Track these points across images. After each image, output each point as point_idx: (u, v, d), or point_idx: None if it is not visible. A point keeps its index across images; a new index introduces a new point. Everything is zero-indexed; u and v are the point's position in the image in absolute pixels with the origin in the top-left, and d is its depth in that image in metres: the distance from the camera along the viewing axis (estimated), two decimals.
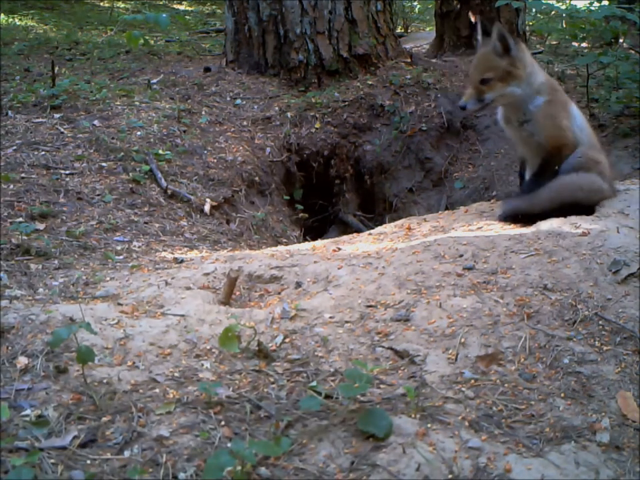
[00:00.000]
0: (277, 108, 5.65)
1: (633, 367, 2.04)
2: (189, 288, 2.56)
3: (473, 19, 7.02)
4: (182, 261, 2.99)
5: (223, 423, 1.75)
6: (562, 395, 1.93)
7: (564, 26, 7.63)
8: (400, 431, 1.71)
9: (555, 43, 8.98)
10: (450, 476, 1.60)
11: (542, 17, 8.83)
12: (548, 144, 3.13)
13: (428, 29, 10.39)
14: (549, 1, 7.40)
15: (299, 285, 2.60)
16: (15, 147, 4.17)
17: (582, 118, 3.28)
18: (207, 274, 2.69)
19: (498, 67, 3.02)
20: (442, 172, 5.43)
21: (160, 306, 2.39)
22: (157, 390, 1.88)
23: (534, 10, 8.54)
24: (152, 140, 4.58)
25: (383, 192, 5.56)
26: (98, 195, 3.79)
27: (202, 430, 1.71)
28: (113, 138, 4.47)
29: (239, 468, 1.56)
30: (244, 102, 5.69)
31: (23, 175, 3.83)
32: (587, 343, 2.12)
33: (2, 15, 10.11)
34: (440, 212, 3.63)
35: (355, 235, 3.36)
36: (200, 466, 1.59)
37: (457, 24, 7.15)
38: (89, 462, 1.60)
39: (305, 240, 4.42)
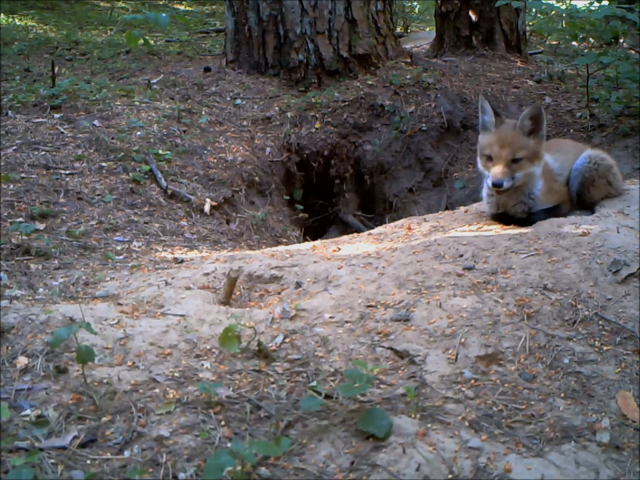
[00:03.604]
0: (277, 108, 5.65)
1: (633, 367, 2.04)
2: (189, 288, 2.56)
3: (473, 18, 7.02)
4: (182, 261, 2.99)
5: (223, 423, 1.75)
6: (562, 394, 1.93)
7: (564, 26, 7.63)
8: (400, 431, 1.71)
9: (555, 42, 8.99)
10: (450, 476, 1.60)
11: (542, 16, 8.84)
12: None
13: (428, 29, 10.39)
14: (548, 1, 7.40)
15: (299, 285, 2.60)
16: (15, 147, 4.17)
17: (551, 160, 3.17)
18: (207, 274, 2.69)
19: (528, 147, 2.93)
20: (442, 172, 5.43)
21: (160, 306, 2.39)
22: (157, 390, 1.88)
23: (534, 10, 8.55)
24: (152, 140, 4.58)
25: (382, 192, 5.56)
26: (98, 195, 3.79)
27: (202, 430, 1.71)
28: (113, 138, 4.47)
29: (239, 468, 1.56)
30: (244, 102, 5.70)
31: (23, 174, 3.83)
32: (587, 343, 2.12)
33: (2, 14, 10.10)
34: (440, 212, 3.63)
35: (354, 234, 3.35)
36: (200, 466, 1.59)
37: (456, 24, 7.14)
38: (88, 462, 1.60)
39: (304, 240, 4.42)
